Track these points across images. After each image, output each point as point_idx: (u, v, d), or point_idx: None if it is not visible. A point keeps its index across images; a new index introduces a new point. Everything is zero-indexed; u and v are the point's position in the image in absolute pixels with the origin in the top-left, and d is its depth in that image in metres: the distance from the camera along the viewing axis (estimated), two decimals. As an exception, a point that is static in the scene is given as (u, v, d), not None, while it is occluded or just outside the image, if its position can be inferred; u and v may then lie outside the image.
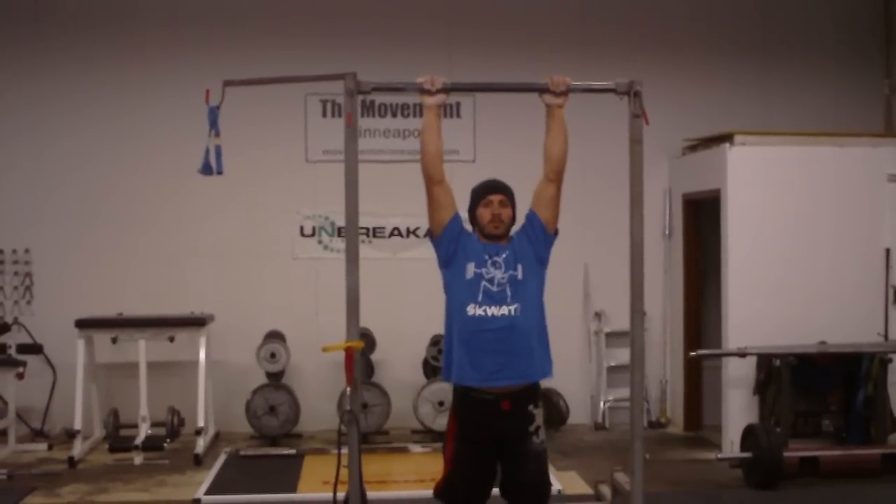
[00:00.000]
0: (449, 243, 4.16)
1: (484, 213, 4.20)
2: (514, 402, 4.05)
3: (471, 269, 4.11)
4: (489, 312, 4.05)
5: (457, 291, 4.12)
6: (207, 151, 4.21)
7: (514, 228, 4.24)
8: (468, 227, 4.23)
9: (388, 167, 7.80)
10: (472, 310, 4.06)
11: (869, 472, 6.17)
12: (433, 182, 4.14)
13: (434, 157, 4.13)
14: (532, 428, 4.12)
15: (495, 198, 4.21)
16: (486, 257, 4.12)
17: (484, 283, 4.09)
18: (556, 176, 4.17)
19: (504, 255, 4.14)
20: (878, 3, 8.62)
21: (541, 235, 4.18)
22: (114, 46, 7.99)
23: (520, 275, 4.10)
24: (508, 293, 4.07)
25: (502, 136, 7.89)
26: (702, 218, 8.02)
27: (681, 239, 8.17)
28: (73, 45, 7.99)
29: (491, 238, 4.18)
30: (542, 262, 4.20)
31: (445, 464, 4.20)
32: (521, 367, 4.07)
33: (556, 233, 4.23)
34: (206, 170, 4.23)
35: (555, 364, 4.15)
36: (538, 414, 4.15)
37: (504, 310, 4.06)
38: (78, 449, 6.93)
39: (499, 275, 4.12)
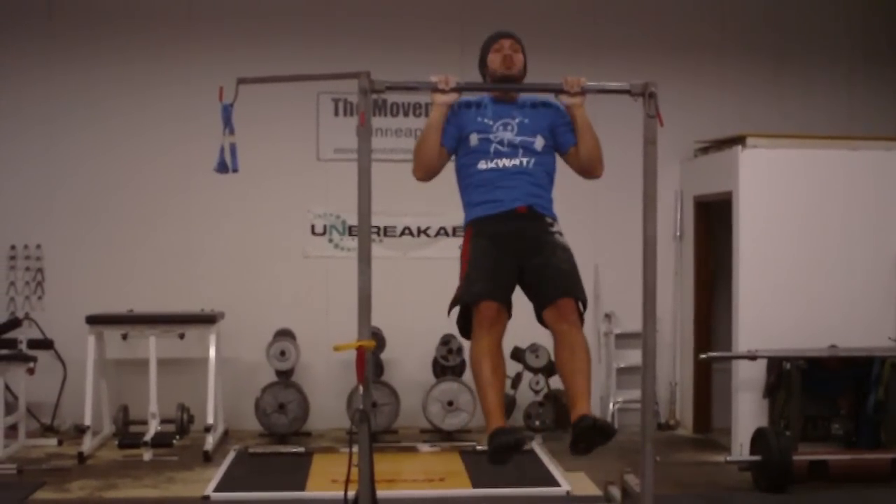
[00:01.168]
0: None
1: (494, 58, 4.16)
2: (530, 209, 4.04)
3: (474, 139, 4.09)
4: (500, 164, 4.05)
5: (466, 162, 4.13)
6: (222, 149, 4.21)
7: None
8: (457, 109, 4.17)
9: (399, 166, 7.72)
10: (483, 164, 4.07)
11: (879, 477, 6.15)
12: (432, 173, 4.16)
13: (435, 152, 4.12)
14: (553, 229, 4.07)
15: (506, 41, 4.18)
16: (491, 122, 4.09)
17: (494, 145, 4.08)
18: (581, 170, 4.21)
19: (518, 119, 4.11)
20: (892, 6, 8.59)
21: (562, 129, 4.16)
22: (126, 43, 8.01)
23: (537, 145, 4.09)
24: (520, 151, 4.06)
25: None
26: (713, 220, 8.00)
27: (692, 241, 8.15)
28: (85, 42, 8.02)
29: (502, 80, 4.13)
30: (556, 142, 4.19)
31: (461, 275, 4.05)
32: (536, 201, 4.06)
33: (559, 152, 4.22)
34: (222, 168, 4.24)
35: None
36: (557, 225, 4.10)
37: (516, 161, 4.05)
38: (87, 444, 6.95)
39: (508, 136, 4.08)
